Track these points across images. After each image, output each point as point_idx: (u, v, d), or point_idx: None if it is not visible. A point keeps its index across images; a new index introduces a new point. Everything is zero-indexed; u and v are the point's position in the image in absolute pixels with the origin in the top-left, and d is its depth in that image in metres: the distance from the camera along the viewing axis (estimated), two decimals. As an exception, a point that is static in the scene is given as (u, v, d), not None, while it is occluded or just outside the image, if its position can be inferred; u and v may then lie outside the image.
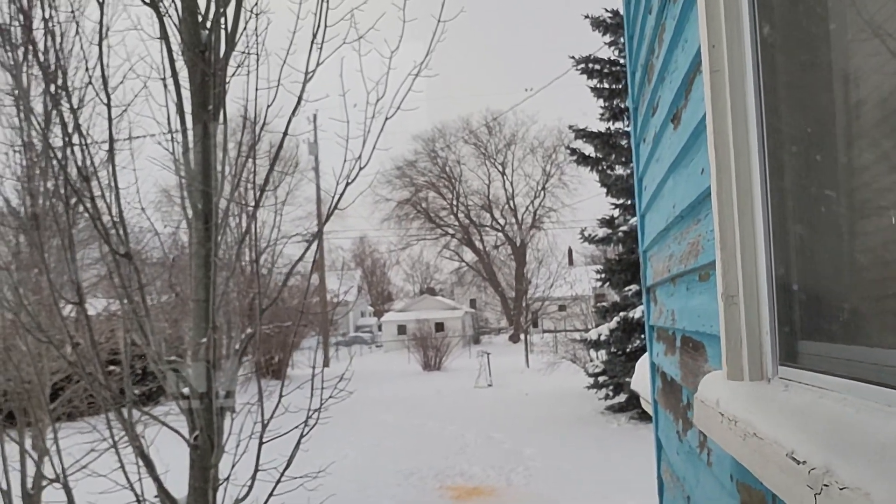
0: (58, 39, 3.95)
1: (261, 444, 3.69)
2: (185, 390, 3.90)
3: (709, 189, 1.78)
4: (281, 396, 3.64)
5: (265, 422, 3.67)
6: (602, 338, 16.17)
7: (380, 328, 53.35)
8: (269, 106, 4.00)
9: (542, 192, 55.04)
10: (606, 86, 17.40)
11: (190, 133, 3.82)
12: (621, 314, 15.88)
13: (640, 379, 4.84)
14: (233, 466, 3.92)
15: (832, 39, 1.31)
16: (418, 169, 56.03)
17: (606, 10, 16.96)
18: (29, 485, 6.55)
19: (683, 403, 2.55)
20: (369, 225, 57.14)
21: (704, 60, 1.64)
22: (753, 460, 1.16)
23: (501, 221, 57.08)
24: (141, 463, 3.81)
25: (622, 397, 16.43)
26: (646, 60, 3.13)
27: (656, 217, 3.02)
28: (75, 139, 3.82)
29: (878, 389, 0.99)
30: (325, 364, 29.36)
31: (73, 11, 3.81)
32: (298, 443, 3.91)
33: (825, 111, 1.36)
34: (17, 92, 5.03)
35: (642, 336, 15.64)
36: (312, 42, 3.74)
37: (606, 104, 17.46)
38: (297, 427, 3.85)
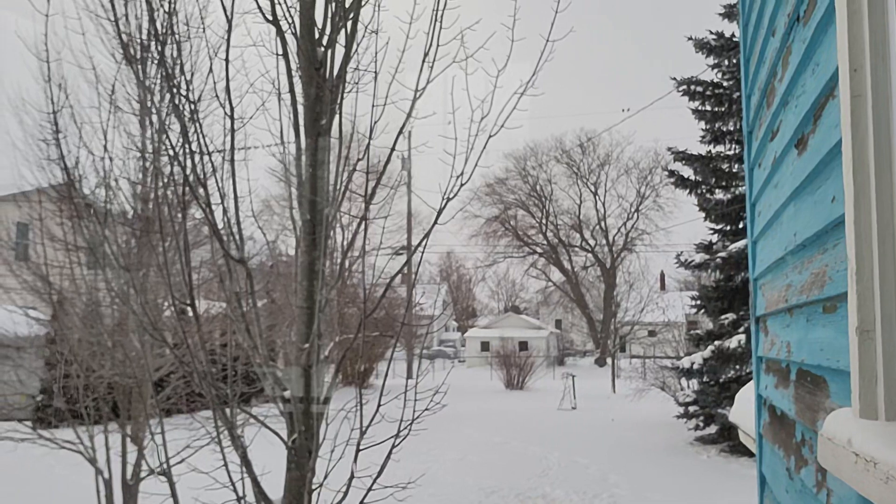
0: (184, 52, 4.18)
1: (358, 450, 3.75)
2: (286, 393, 4.01)
3: (840, 218, 1.71)
4: (379, 405, 3.70)
5: (363, 429, 3.73)
6: (695, 366, 15.69)
7: (463, 343, 53.47)
8: (376, 122, 4.11)
9: (636, 214, 54.11)
10: (709, 108, 17.02)
11: (303, 146, 3.96)
12: (716, 343, 15.37)
13: (741, 411, 4.66)
14: (327, 473, 4.00)
15: None
16: (508, 187, 56.09)
17: (711, 33, 16.61)
18: (128, 475, 6.86)
19: (797, 440, 2.44)
20: (457, 240, 57.56)
21: (844, 85, 1.58)
22: (899, 505, 1.10)
23: (591, 242, 56.38)
24: (240, 462, 3.94)
25: (713, 428, 15.88)
26: (765, 84, 3.04)
27: (771, 244, 2.92)
28: (194, 146, 4.00)
29: None
30: (409, 376, 29.64)
31: (203, 28, 4.02)
32: (390, 452, 3.96)
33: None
34: (143, 101, 5.35)
35: (737, 366, 15.09)
36: (424, 60, 3.81)
37: (708, 127, 17.06)
38: (390, 438, 3.90)
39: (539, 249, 57.59)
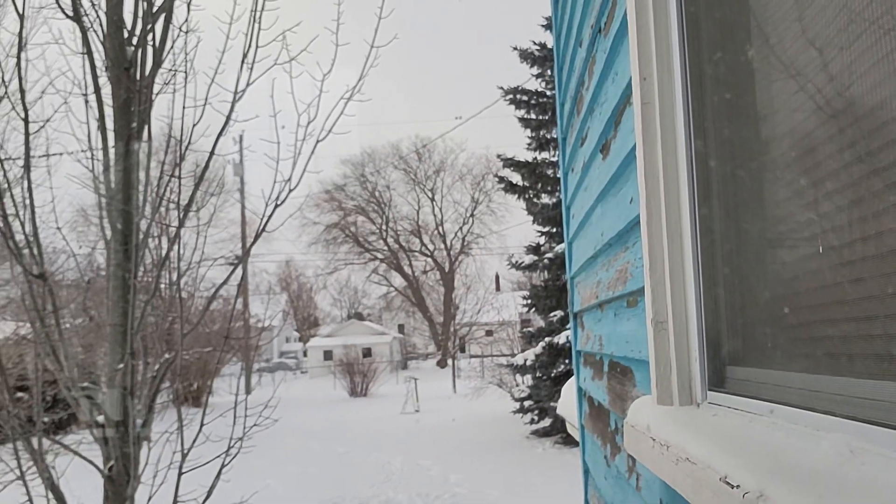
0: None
1: (180, 474, 3.54)
2: (100, 418, 3.72)
3: (637, 218, 1.82)
4: (202, 425, 3.51)
5: (185, 451, 3.53)
6: (528, 363, 16.32)
7: (305, 354, 52.45)
8: (195, 125, 3.92)
9: (471, 219, 55.55)
10: (534, 116, 17.78)
11: (111, 151, 3.69)
12: (546, 339, 16.07)
13: (567, 403, 4.88)
14: (149, 499, 3.75)
15: (757, 76, 1.36)
16: (347, 193, 55.73)
17: (534, 43, 17.37)
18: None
19: (611, 428, 2.58)
20: (296, 248, 56.36)
21: (635, 92, 1.68)
22: (686, 485, 1.18)
23: (430, 247, 57.24)
24: (51, 496, 3.60)
25: (547, 422, 16.58)
26: (575, 92, 3.20)
27: (584, 244, 3.08)
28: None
29: (804, 413, 1.02)
30: (248, 391, 28.57)
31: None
32: (219, 473, 3.78)
33: (750, 144, 1.41)
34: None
35: (567, 361, 15.86)
36: (243, 62, 3.68)
37: (534, 134, 17.82)
38: (218, 457, 3.72)
39: (380, 255, 57.70)
